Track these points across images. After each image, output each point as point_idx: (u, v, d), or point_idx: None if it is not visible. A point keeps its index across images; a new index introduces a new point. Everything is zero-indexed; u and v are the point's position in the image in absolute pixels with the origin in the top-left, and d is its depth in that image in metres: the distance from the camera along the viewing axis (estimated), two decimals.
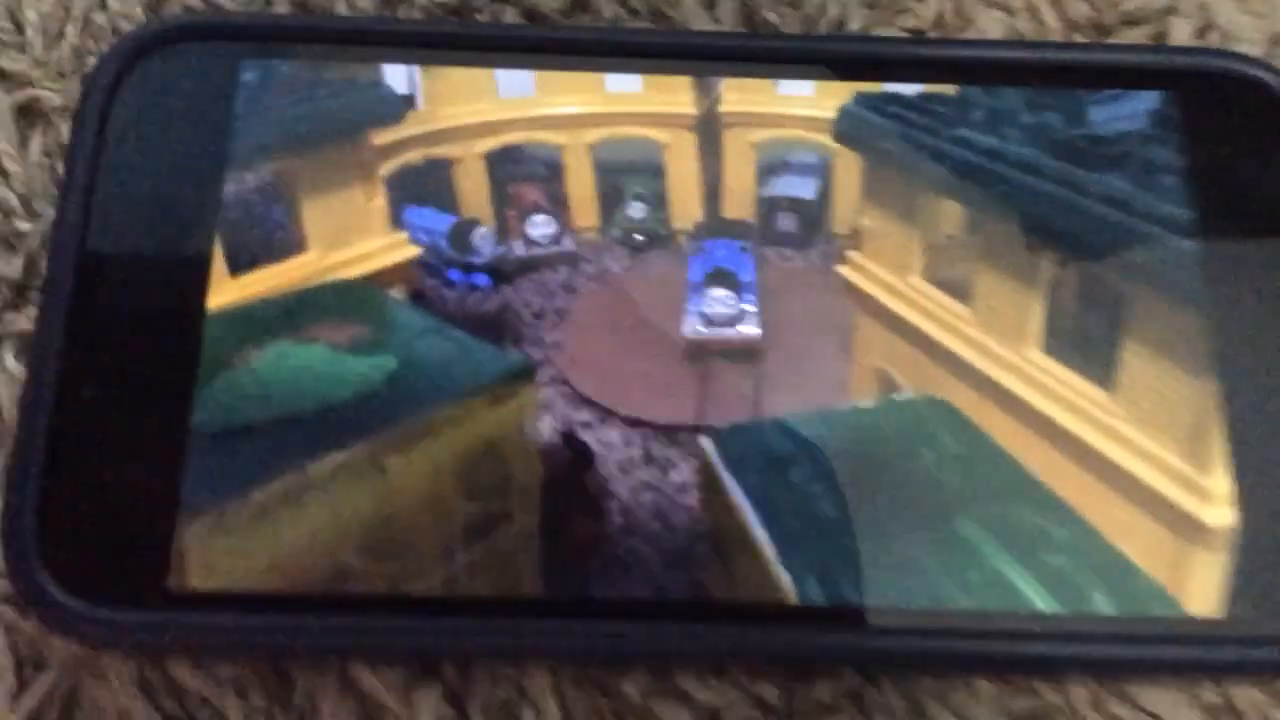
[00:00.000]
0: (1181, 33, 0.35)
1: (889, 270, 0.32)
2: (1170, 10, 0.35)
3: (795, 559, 0.27)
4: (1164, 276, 0.30)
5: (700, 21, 0.36)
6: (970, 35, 0.36)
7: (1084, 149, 0.32)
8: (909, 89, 0.33)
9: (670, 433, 0.30)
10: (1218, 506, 0.28)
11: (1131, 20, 0.35)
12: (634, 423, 0.30)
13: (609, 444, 0.30)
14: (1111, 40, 0.35)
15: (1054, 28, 0.35)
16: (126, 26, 0.35)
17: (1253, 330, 0.29)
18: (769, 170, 0.35)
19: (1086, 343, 0.30)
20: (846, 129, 0.33)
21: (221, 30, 0.33)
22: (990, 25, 0.35)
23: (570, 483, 0.29)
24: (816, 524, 0.28)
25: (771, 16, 0.35)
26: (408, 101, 0.35)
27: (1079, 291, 0.31)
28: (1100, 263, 0.31)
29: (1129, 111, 0.32)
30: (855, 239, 0.33)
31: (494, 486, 0.29)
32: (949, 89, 0.33)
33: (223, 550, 0.27)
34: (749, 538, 0.28)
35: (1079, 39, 0.35)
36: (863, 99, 0.33)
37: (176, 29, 0.32)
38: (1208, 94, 0.32)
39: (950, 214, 0.33)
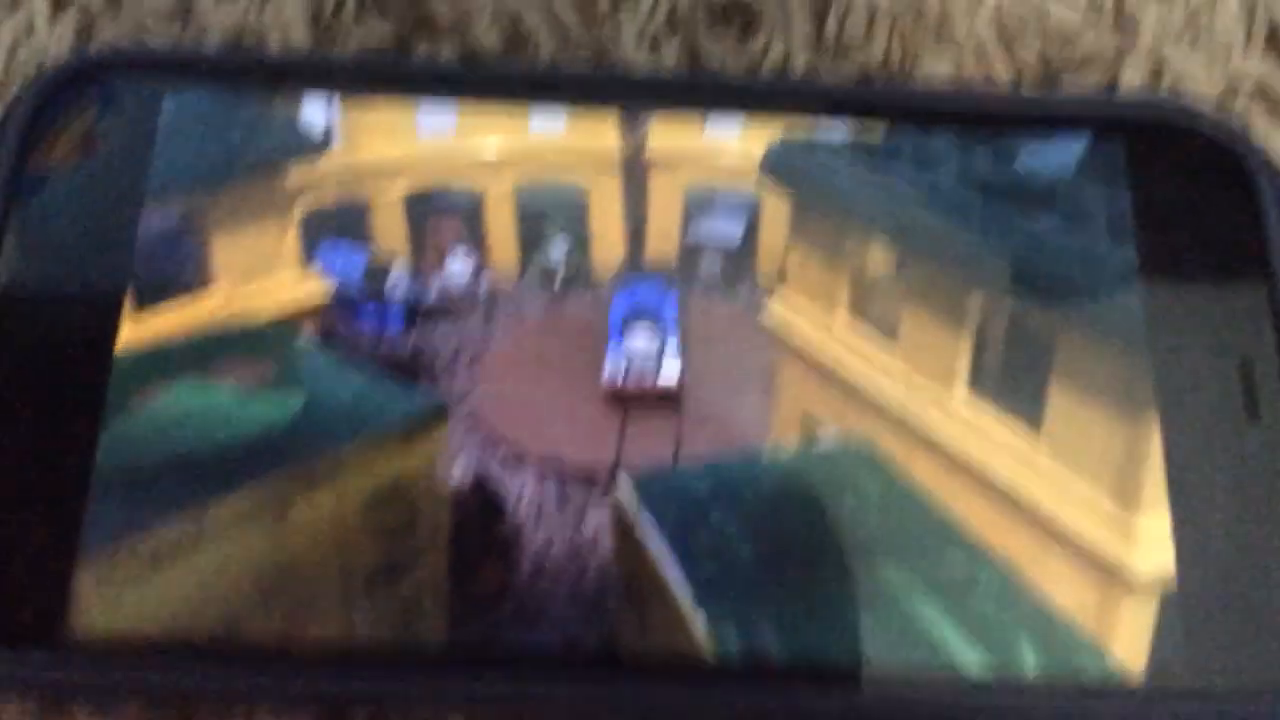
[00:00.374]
0: (1133, 78, 0.35)
1: (815, 310, 0.32)
2: (1121, 55, 0.35)
3: (712, 607, 0.27)
4: (1094, 318, 0.30)
5: (643, 61, 0.36)
6: (917, 77, 0.36)
7: (1014, 190, 0.32)
8: (837, 130, 0.33)
9: (586, 477, 0.30)
10: (1148, 554, 0.28)
11: (1082, 65, 0.36)
12: (549, 467, 0.30)
13: (522, 488, 0.30)
14: (1062, 83, 0.35)
15: (1002, 71, 0.35)
16: (51, 60, 0.35)
17: (1185, 374, 0.29)
18: (695, 212, 0.35)
19: (1014, 384, 0.30)
20: (774, 167, 0.33)
21: (145, 64, 0.33)
22: (938, 67, 0.35)
23: (480, 528, 0.29)
24: (735, 572, 0.27)
25: (714, 57, 0.35)
26: (326, 139, 0.34)
27: (1007, 332, 0.31)
28: (1029, 303, 0.31)
29: (1061, 153, 0.33)
30: (781, 275, 0.33)
31: (401, 531, 0.28)
32: (875, 131, 0.33)
33: (122, 594, 0.27)
34: (665, 585, 0.27)
35: (1028, 82, 0.36)
36: (790, 138, 0.33)
37: (98, 62, 0.32)
38: (1154, 142, 0.32)
39: (878, 254, 0.33)
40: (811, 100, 0.34)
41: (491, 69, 0.35)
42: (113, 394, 0.29)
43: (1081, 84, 0.36)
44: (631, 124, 0.35)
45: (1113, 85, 0.35)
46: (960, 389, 0.30)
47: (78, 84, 0.32)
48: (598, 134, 0.35)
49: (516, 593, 0.28)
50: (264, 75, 0.33)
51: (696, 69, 0.37)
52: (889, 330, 0.32)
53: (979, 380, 0.30)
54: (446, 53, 0.36)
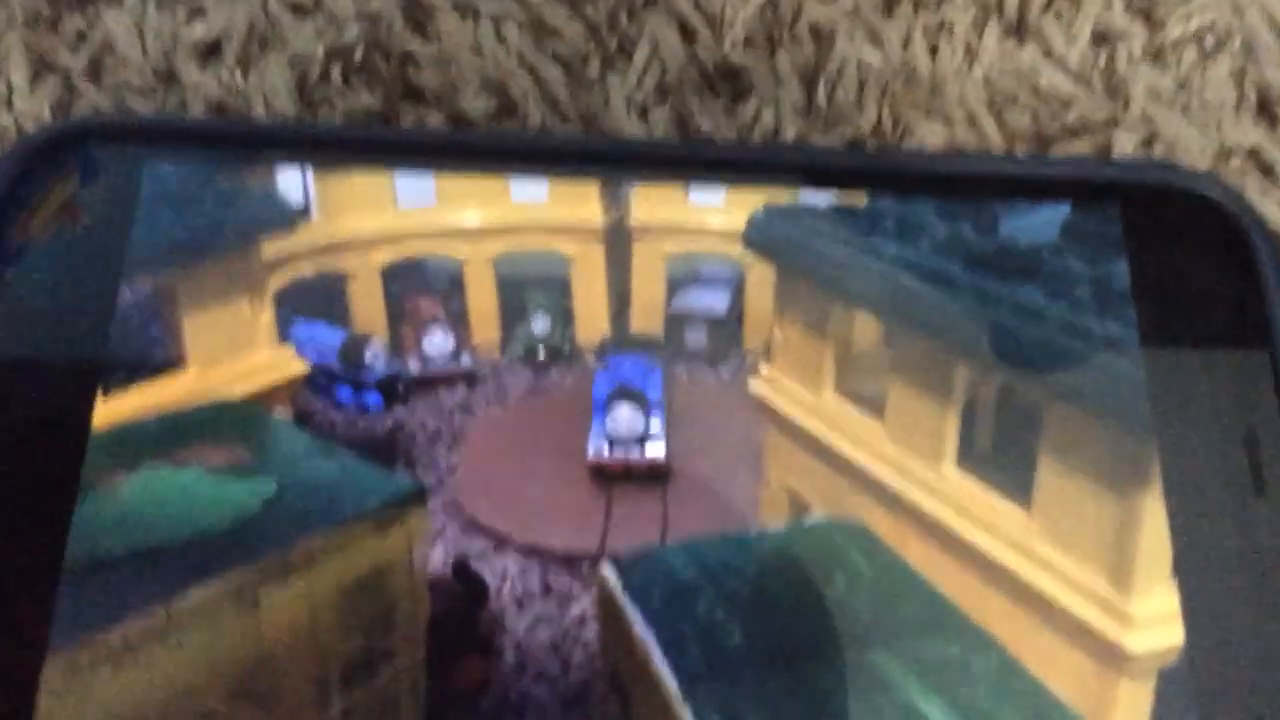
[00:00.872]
0: (1125, 145, 0.35)
1: (801, 385, 0.32)
2: (1113, 122, 0.35)
3: (700, 697, 0.26)
4: (1091, 389, 0.30)
5: (632, 129, 0.36)
6: (909, 145, 0.36)
7: (1003, 260, 0.32)
8: (820, 198, 0.33)
9: (571, 562, 0.29)
10: (1141, 633, 0.27)
11: (1073, 131, 0.36)
12: (532, 551, 0.30)
13: (505, 575, 0.29)
14: (1053, 152, 0.36)
15: (994, 138, 0.35)
16: (32, 127, 0.35)
17: (1188, 446, 0.29)
18: (679, 283, 0.35)
19: (1004, 460, 0.30)
20: (756, 238, 0.33)
21: (127, 131, 0.32)
22: (929, 135, 0.35)
23: (460, 618, 0.28)
24: (723, 659, 0.27)
25: (705, 124, 0.35)
26: (302, 212, 0.34)
27: (996, 406, 0.31)
28: (1018, 377, 0.31)
29: (1051, 220, 0.33)
30: (767, 349, 0.33)
31: (377, 622, 0.28)
32: (858, 199, 0.33)
33: (86, 692, 0.26)
34: (651, 674, 0.27)
35: (1020, 150, 0.36)
36: (773, 208, 0.33)
37: (77, 130, 0.32)
38: (1151, 208, 0.32)
39: (864, 327, 0.33)
40: (801, 166, 0.33)
41: (474, 137, 0.35)
42: (82, 479, 0.28)
43: (1073, 151, 0.36)
44: (614, 193, 0.35)
45: (1105, 152, 0.36)
46: (949, 465, 0.30)
47: (58, 151, 0.32)
48: (580, 203, 0.35)
49: (498, 684, 0.27)
50: (246, 143, 0.33)
51: (686, 137, 0.37)
52: (876, 405, 0.32)
53: (968, 456, 0.30)
54: (434, 122, 0.36)
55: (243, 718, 0.26)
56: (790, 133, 0.36)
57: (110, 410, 0.29)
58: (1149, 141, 0.35)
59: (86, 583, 0.27)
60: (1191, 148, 0.35)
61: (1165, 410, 0.29)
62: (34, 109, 0.35)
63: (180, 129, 0.33)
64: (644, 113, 0.36)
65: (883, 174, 0.33)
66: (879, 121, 0.36)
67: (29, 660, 0.26)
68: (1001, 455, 0.30)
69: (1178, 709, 0.26)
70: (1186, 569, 0.27)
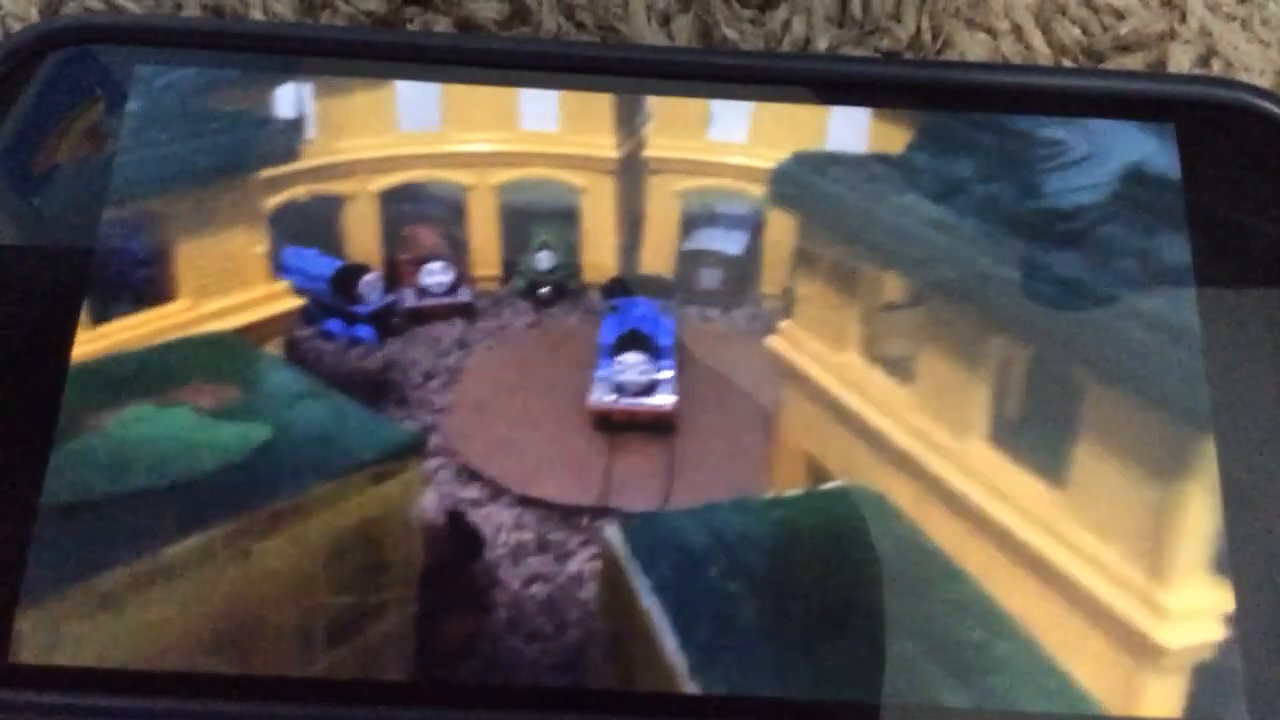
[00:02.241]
0: (1181, 61, 0.35)
1: (823, 344, 0.32)
2: (1169, 36, 0.35)
3: (709, 673, 0.27)
4: (1131, 372, 0.30)
5: (653, 37, 0.36)
6: (950, 58, 0.36)
7: (1044, 225, 0.32)
8: (853, 140, 0.33)
9: (570, 515, 0.30)
10: (1177, 626, 0.28)
11: (1126, 46, 0.36)
12: (529, 502, 0.30)
13: (499, 526, 0.29)
14: (1104, 67, 0.35)
15: (1042, 52, 0.35)
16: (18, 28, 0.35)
17: (1236, 431, 0.29)
18: (694, 221, 0.35)
19: (1038, 436, 0.30)
20: (784, 188, 0.33)
21: (116, 33, 0.33)
22: (972, 48, 0.35)
23: (453, 571, 0.29)
24: (734, 634, 0.27)
25: (730, 33, 0.35)
26: (298, 131, 0.34)
27: (1032, 379, 0.31)
28: (1058, 350, 0.31)
29: (1088, 182, 0.32)
30: (787, 302, 0.33)
31: (369, 576, 0.28)
32: (895, 151, 0.33)
33: (67, 638, 0.27)
34: (657, 645, 0.27)
35: (1068, 65, 0.35)
36: (802, 156, 0.33)
37: (64, 31, 0.32)
38: (1210, 127, 0.32)
39: (893, 287, 0.32)
40: (833, 80, 0.34)
41: (483, 43, 0.35)
42: (63, 416, 0.28)
43: (1125, 67, 0.35)
44: (629, 124, 0.35)
45: (1160, 69, 0.35)
46: (978, 438, 0.30)
47: (44, 53, 0.32)
48: (593, 133, 0.35)
49: (490, 640, 0.28)
50: (242, 46, 0.33)
51: (709, 47, 0.36)
52: (903, 369, 0.32)
53: (1000, 429, 0.30)
54: (441, 28, 0.35)
55: (224, 670, 0.27)
56: (822, 44, 0.36)
57: (94, 343, 0.29)
58: (1206, 59, 0.35)
59: (66, 526, 0.27)
60: (1252, 66, 0.35)
61: (1219, 347, 0.29)
62: (21, 9, 0.35)
63: (173, 30, 0.33)
64: (665, 21, 0.36)
65: (922, 88, 0.33)
66: (918, 32, 0.36)
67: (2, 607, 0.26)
68: (1035, 431, 0.30)
69: (1214, 708, 0.26)
70: (1229, 556, 0.28)
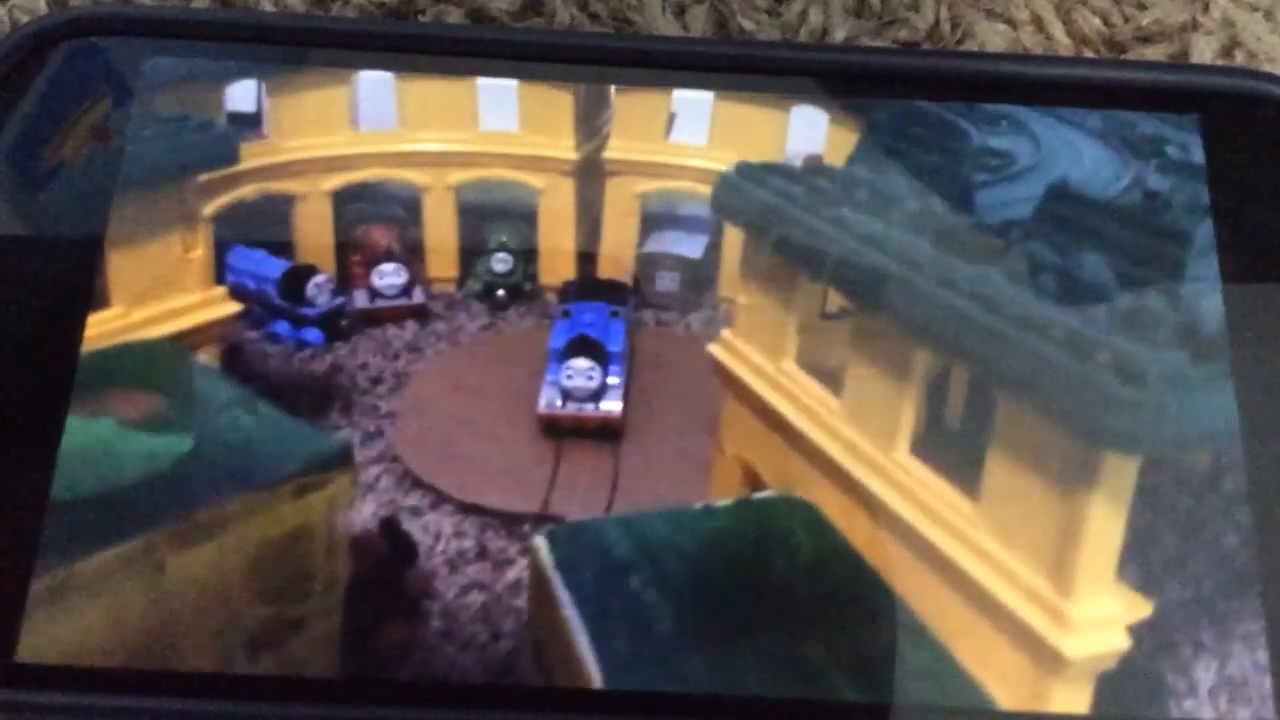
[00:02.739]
0: (1204, 52, 0.35)
1: (761, 353, 0.32)
2: (1191, 27, 0.35)
3: (619, 679, 0.27)
4: (1039, 388, 0.30)
5: (667, 28, 0.36)
6: (969, 49, 0.36)
7: (971, 241, 0.32)
8: (812, 150, 0.34)
9: (510, 522, 0.30)
10: (1079, 636, 0.28)
11: (1148, 37, 0.36)
12: (471, 510, 0.30)
13: (438, 534, 0.30)
14: (1127, 58, 0.35)
15: (1062, 43, 0.36)
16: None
17: (1266, 427, 0.30)
18: (653, 224, 0.35)
19: (958, 449, 0.31)
20: (726, 198, 0.34)
21: (123, 25, 0.33)
22: (991, 39, 0.36)
23: (385, 580, 0.29)
24: (651, 643, 0.28)
25: (746, 24, 0.36)
26: (252, 126, 0.35)
27: (954, 394, 0.31)
28: (977, 366, 0.31)
29: (1020, 197, 0.33)
30: (731, 318, 0.33)
31: (293, 587, 0.29)
32: (833, 164, 0.34)
33: None
34: (575, 657, 0.28)
35: (1089, 56, 0.36)
36: (745, 166, 0.34)
37: (71, 23, 0.33)
38: (1236, 119, 0.32)
39: (829, 299, 0.33)
40: (852, 70, 0.34)
41: (497, 34, 0.35)
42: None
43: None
44: (588, 126, 0.35)
45: (1182, 60, 0.35)
46: (902, 450, 0.31)
47: (50, 45, 0.32)
48: (552, 134, 0.35)
49: (420, 651, 0.28)
50: (252, 38, 0.34)
51: (726, 38, 0.37)
52: (835, 380, 0.32)
53: (923, 442, 0.31)
54: (454, 18, 0.36)
55: (144, 684, 0.27)
56: (840, 34, 0.36)
57: None
58: (1229, 49, 0.35)
59: None
60: (1275, 56, 0.35)
61: (1247, 341, 0.29)
62: (29, 1, 0.35)
63: (181, 22, 0.34)
64: (680, 11, 0.36)
65: (941, 79, 0.33)
66: (936, 23, 0.36)
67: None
68: (956, 444, 0.31)
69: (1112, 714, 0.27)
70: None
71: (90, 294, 0.30)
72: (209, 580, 0.28)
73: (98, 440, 0.29)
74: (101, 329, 0.31)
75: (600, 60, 0.34)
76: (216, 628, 0.28)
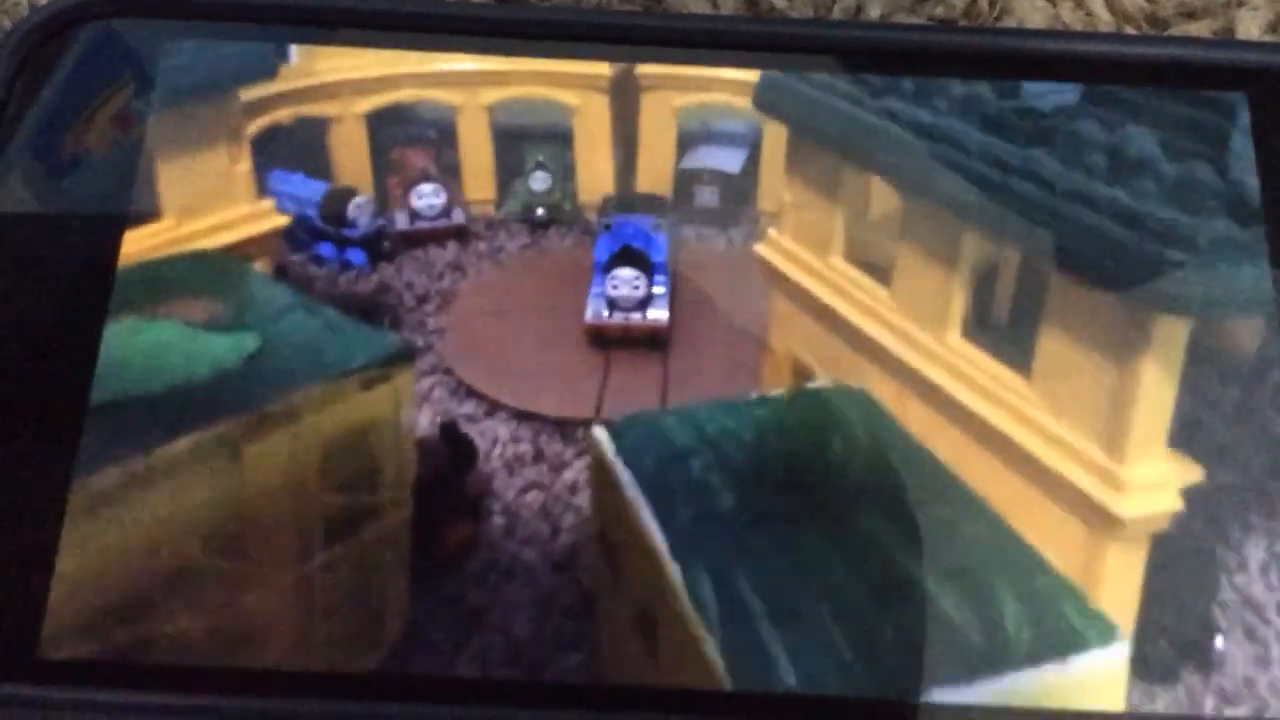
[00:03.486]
0: (1250, 28, 0.36)
1: (809, 250, 0.34)
2: (1235, 3, 0.36)
3: (689, 558, 0.29)
4: (1088, 263, 0.32)
5: (697, 6, 0.37)
6: (1007, 25, 0.36)
7: (1017, 126, 0.33)
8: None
9: (564, 428, 0.32)
10: (1134, 498, 0.30)
11: (1191, 13, 0.36)
12: (525, 416, 0.32)
13: (495, 439, 0.31)
14: (1170, 34, 0.36)
15: (1103, 19, 0.36)
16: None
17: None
18: (691, 139, 0.37)
19: (1009, 329, 0.32)
20: (767, 97, 0.35)
21: (144, 6, 0.34)
22: (1031, 15, 0.36)
23: (448, 480, 0.31)
24: (713, 521, 0.29)
25: (778, 1, 0.36)
26: (280, 53, 0.36)
27: (1004, 276, 0.33)
28: (1026, 246, 0.32)
29: (1069, 86, 0.34)
30: (777, 219, 0.34)
31: (361, 479, 0.30)
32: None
33: (65, 543, 0.28)
34: (641, 536, 0.29)
35: (1130, 33, 0.36)
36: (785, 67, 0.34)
37: (93, 4, 0.34)
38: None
39: (875, 192, 0.34)
40: (887, 48, 0.34)
41: (523, 13, 0.36)
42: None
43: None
44: None
45: (1227, 36, 0.36)
46: (954, 334, 0.32)
47: (61, 30, 0.34)
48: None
49: (485, 547, 0.30)
50: (262, 18, 0.35)
51: (757, 15, 0.37)
52: (884, 272, 0.34)
53: (974, 325, 0.32)
54: None
55: (221, 570, 0.29)
56: (874, 11, 0.37)
57: None
58: (1275, 25, 0.35)
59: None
60: None
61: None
62: None
63: (199, 3, 0.35)
64: None
65: (979, 57, 0.34)
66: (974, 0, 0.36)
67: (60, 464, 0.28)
68: (1007, 325, 0.32)
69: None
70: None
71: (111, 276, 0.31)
72: (284, 468, 0.30)
73: (164, 341, 0.31)
74: (153, 241, 0.32)
75: (628, 39, 0.34)
76: (295, 512, 0.29)
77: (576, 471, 0.31)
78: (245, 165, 0.34)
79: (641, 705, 0.27)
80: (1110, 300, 0.31)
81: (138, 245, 0.32)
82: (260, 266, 0.33)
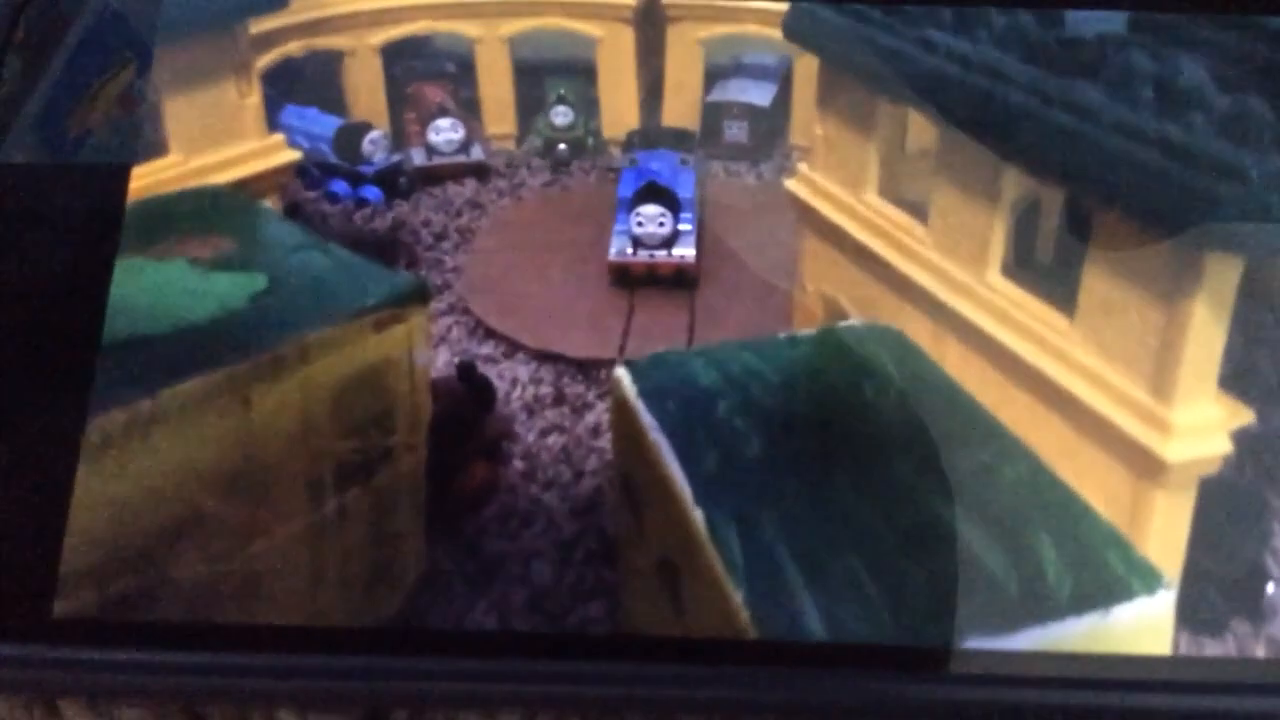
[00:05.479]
0: None
1: (842, 186, 0.33)
2: None
3: (713, 502, 0.28)
4: (1135, 198, 0.31)
5: None
6: None
7: (1060, 57, 0.33)
8: None
9: (587, 369, 0.31)
10: (1181, 442, 0.29)
11: None
12: (545, 357, 0.32)
13: (514, 381, 0.31)
14: None
15: None
16: None
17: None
18: (718, 72, 0.36)
19: (1051, 267, 0.31)
20: (798, 26, 0.34)
21: None
22: None
23: (466, 422, 0.30)
24: (738, 465, 0.29)
25: None
26: None
27: (1046, 212, 0.32)
28: (1071, 181, 0.32)
29: (1113, 14, 0.33)
30: (807, 154, 0.34)
31: (374, 422, 0.30)
32: None
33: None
34: (664, 480, 0.29)
35: None
36: None
37: None
38: None
39: (911, 125, 0.34)
40: None
41: None
42: None
43: None
44: None
45: None
46: (994, 272, 0.32)
47: None
48: None
49: (504, 490, 0.29)
50: None
51: None
52: (920, 208, 0.33)
53: (1015, 263, 0.32)
54: None
55: (234, 514, 0.28)
56: None
57: None
58: None
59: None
60: None
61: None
62: None
63: None
64: None
65: None
66: None
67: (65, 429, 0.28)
68: (1049, 262, 0.31)
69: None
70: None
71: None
72: (295, 411, 0.29)
73: (170, 280, 0.30)
74: (161, 176, 0.32)
75: None
76: (307, 457, 0.29)
77: (599, 414, 0.31)
78: (255, 99, 0.33)
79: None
80: (1158, 237, 0.30)
81: (143, 181, 0.32)
82: (271, 203, 0.33)
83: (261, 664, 0.26)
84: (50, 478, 0.27)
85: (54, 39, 0.32)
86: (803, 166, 0.33)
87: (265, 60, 0.34)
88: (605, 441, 0.30)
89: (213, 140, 0.33)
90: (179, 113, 0.33)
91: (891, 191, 0.33)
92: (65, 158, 0.32)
